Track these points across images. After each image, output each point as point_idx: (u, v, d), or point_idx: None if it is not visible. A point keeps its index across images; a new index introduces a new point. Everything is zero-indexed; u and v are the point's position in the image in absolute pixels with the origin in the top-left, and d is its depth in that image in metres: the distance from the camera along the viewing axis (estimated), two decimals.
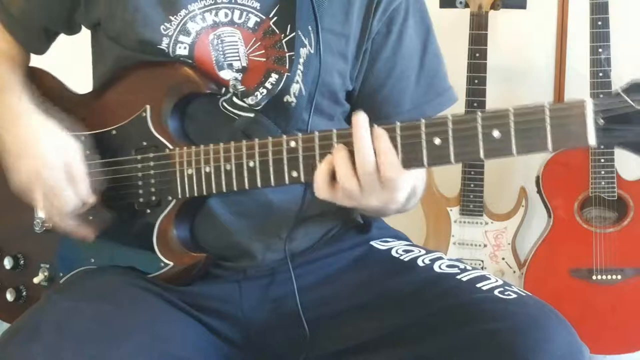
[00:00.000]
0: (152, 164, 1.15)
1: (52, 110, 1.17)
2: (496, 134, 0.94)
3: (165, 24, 1.14)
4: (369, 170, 0.98)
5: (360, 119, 0.99)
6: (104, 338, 1.01)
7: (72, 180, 1.12)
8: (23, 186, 1.14)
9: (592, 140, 0.90)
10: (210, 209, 1.15)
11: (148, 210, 1.16)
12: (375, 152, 0.98)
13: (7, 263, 1.26)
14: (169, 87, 1.15)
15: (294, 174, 1.05)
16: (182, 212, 1.15)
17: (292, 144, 1.04)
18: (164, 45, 1.14)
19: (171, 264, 1.15)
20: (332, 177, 1.01)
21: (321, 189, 1.02)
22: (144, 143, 1.16)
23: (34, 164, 1.11)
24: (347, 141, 1.00)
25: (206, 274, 1.18)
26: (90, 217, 1.17)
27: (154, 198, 1.15)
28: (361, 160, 0.99)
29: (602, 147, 2.14)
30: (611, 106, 0.89)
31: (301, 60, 1.14)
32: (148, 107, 1.16)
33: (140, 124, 1.16)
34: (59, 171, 1.11)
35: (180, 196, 1.13)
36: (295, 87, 1.14)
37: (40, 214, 1.22)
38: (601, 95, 2.21)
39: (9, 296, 1.27)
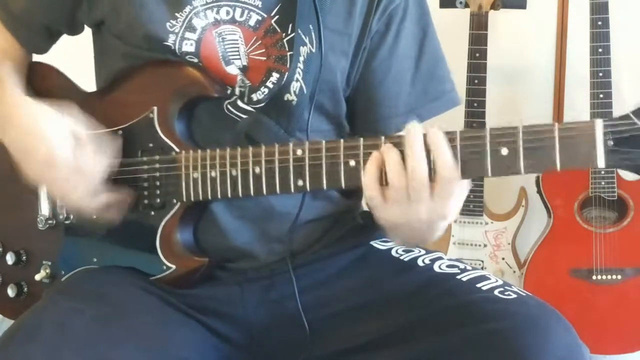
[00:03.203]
0: (157, 166, 1.15)
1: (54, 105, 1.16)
2: (504, 151, 0.93)
3: (171, 20, 1.14)
4: (421, 168, 0.95)
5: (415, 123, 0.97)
6: (105, 339, 1.01)
7: (83, 148, 1.10)
8: (39, 176, 1.11)
9: (601, 161, 0.89)
10: (212, 211, 1.15)
11: (152, 213, 1.16)
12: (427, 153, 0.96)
13: (9, 259, 1.26)
14: (176, 89, 1.14)
15: (300, 182, 1.04)
16: (186, 216, 1.14)
17: (299, 152, 1.04)
18: (170, 42, 1.14)
19: (173, 267, 1.15)
20: (380, 181, 0.98)
21: (370, 187, 0.98)
22: (150, 145, 1.15)
23: (47, 151, 1.09)
24: (395, 142, 0.98)
25: (208, 276, 1.18)
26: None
27: (158, 200, 1.15)
28: (413, 159, 0.95)
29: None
30: (621, 128, 0.89)
31: (301, 59, 1.14)
32: (155, 108, 1.15)
33: (146, 126, 1.16)
34: (68, 147, 1.08)
35: (185, 199, 1.13)
36: (295, 86, 1.14)
37: (45, 209, 1.23)
38: (601, 95, 2.22)
39: (10, 292, 1.26)
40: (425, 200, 0.97)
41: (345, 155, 1.01)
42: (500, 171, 0.94)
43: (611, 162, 0.90)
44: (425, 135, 0.96)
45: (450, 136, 0.96)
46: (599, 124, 0.89)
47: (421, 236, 1.07)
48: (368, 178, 0.99)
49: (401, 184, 0.96)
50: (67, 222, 1.22)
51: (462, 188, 0.99)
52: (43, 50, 1.30)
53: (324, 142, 1.03)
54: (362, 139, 1.01)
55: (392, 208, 0.99)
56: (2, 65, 1.22)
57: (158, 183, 1.15)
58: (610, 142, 0.89)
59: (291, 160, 1.04)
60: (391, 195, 0.98)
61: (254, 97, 1.15)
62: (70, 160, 1.08)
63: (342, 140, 1.02)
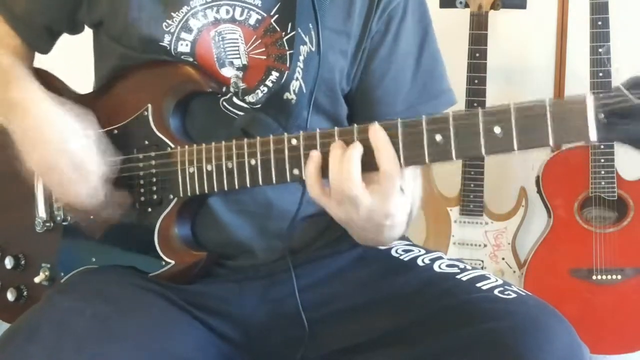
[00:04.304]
0: (153, 162, 1.15)
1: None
2: (497, 130, 0.93)
3: (167, 20, 1.15)
4: (351, 175, 0.97)
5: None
6: (104, 338, 1.01)
7: (95, 152, 1.12)
8: (44, 166, 1.12)
9: (593, 135, 0.89)
10: (211, 207, 1.16)
11: (149, 209, 1.16)
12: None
13: (8, 263, 1.27)
14: (170, 86, 1.15)
15: (296, 171, 1.04)
16: (183, 211, 1.15)
17: (294, 141, 1.04)
18: (165, 42, 1.14)
19: (172, 262, 1.15)
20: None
21: (313, 185, 1.01)
22: (146, 142, 1.16)
23: (54, 146, 1.10)
24: (347, 139, 1.00)
25: (207, 273, 1.18)
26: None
27: (155, 197, 1.15)
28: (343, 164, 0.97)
29: (602, 146, 2.15)
30: (612, 101, 0.89)
31: (301, 58, 1.14)
32: (150, 106, 1.16)
33: (141, 123, 1.16)
34: (80, 146, 1.11)
35: (181, 195, 1.13)
36: (295, 84, 1.14)
37: (42, 211, 1.22)
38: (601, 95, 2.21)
39: (10, 296, 1.27)
40: (363, 201, 0.98)
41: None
42: (494, 149, 0.94)
43: (603, 136, 0.89)
44: (366, 131, 0.98)
45: (392, 130, 0.97)
46: (590, 97, 0.89)
47: (370, 235, 1.07)
48: (309, 180, 1.00)
49: (339, 189, 0.98)
50: (64, 223, 1.22)
51: (406, 182, 1.00)
52: (44, 50, 1.31)
53: (318, 130, 1.03)
54: (355, 125, 1.01)
55: (336, 207, 1.01)
56: (10, 60, 1.23)
57: (154, 179, 1.15)
58: (602, 116, 0.89)
59: (286, 149, 1.04)
60: (332, 196, 1.00)
61: (251, 97, 1.15)
62: (79, 155, 1.10)
63: (336, 128, 1.02)
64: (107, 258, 1.20)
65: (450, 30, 1.74)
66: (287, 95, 1.14)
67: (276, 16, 1.16)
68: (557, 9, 2.43)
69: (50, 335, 0.99)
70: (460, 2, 2.19)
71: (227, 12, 1.16)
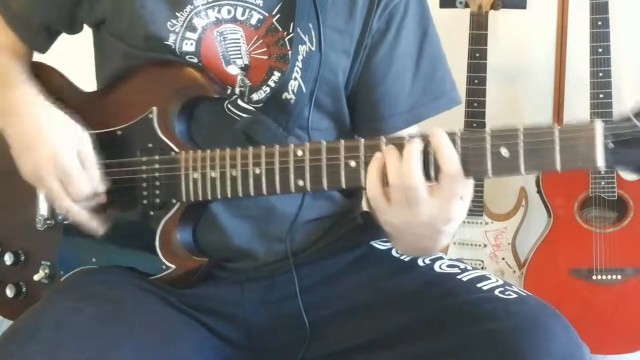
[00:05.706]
0: (157, 166, 1.15)
1: (57, 104, 1.17)
2: (505, 152, 0.93)
3: (172, 20, 1.14)
4: (414, 173, 0.95)
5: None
6: (104, 338, 1.01)
7: (85, 165, 1.12)
8: (35, 176, 1.13)
9: (601, 163, 0.89)
10: (213, 212, 1.15)
11: (151, 213, 1.16)
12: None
13: (8, 259, 1.26)
14: (176, 89, 1.14)
15: (300, 182, 1.04)
16: (185, 216, 1.14)
17: (299, 152, 1.04)
18: (170, 42, 1.14)
19: (173, 267, 1.15)
20: (382, 182, 0.98)
21: (373, 187, 0.98)
22: (150, 145, 1.16)
23: (47, 152, 1.11)
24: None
25: (208, 276, 1.18)
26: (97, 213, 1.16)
27: (158, 200, 1.15)
28: (408, 162, 0.95)
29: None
30: (621, 129, 0.88)
31: (299, 57, 1.13)
32: (155, 108, 1.15)
33: (146, 126, 1.16)
34: (72, 156, 1.11)
35: (184, 200, 1.13)
36: (293, 84, 1.14)
37: (43, 209, 1.22)
38: (601, 95, 2.21)
39: (9, 292, 1.26)
40: (424, 201, 0.96)
41: (345, 156, 1.01)
42: (501, 171, 0.94)
43: (611, 163, 0.90)
44: (428, 136, 0.96)
45: (450, 136, 0.95)
46: (599, 125, 0.89)
47: (426, 243, 1.05)
48: (370, 179, 0.98)
49: (399, 184, 0.96)
50: (65, 222, 1.22)
51: (467, 189, 0.99)
52: (42, 49, 1.31)
53: (324, 142, 1.03)
54: (362, 139, 1.01)
55: (394, 210, 0.98)
56: (7, 60, 1.23)
57: (157, 183, 1.15)
58: (611, 144, 0.89)
59: (292, 160, 1.04)
60: (392, 196, 0.97)
61: (255, 96, 1.15)
62: (66, 167, 1.10)
63: (342, 141, 1.02)
64: (107, 258, 1.20)
65: (450, 30, 1.74)
66: (285, 95, 1.14)
67: (278, 16, 1.16)
68: (557, 9, 2.43)
69: (49, 336, 0.99)
70: (460, 2, 2.19)
71: (229, 11, 1.16)
